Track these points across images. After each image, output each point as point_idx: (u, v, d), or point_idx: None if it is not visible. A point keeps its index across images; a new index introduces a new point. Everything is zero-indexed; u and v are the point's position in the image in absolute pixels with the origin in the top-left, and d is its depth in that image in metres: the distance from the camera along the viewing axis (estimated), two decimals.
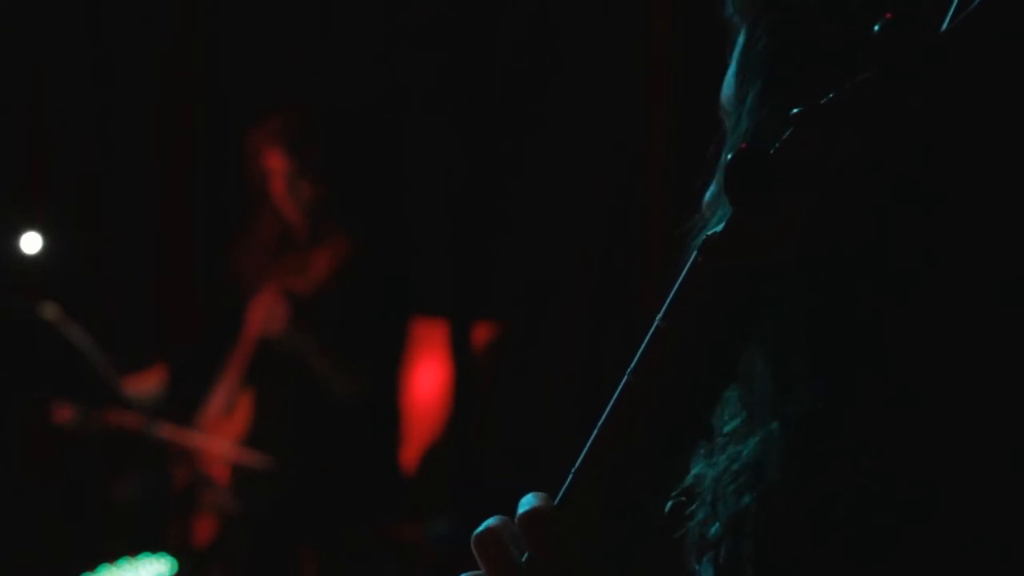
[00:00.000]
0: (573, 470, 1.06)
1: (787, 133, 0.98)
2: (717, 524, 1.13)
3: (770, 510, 1.09)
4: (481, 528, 1.09)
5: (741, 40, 1.16)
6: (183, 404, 4.65)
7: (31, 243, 4.88)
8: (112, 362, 4.51)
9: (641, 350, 1.03)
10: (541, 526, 1.06)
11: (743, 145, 0.99)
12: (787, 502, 1.08)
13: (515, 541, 1.09)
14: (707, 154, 1.20)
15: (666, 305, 1.03)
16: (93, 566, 4.61)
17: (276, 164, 4.46)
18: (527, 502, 1.08)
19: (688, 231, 1.17)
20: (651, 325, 1.04)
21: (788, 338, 1.08)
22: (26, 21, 5.26)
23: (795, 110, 0.98)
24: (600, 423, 1.05)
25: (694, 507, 1.16)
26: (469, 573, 1.11)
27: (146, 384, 4.64)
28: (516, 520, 1.08)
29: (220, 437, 4.52)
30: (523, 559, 1.07)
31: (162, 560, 4.50)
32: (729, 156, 0.98)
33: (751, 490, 1.11)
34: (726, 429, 1.15)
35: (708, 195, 1.20)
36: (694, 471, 1.16)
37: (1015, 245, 1.05)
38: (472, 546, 1.10)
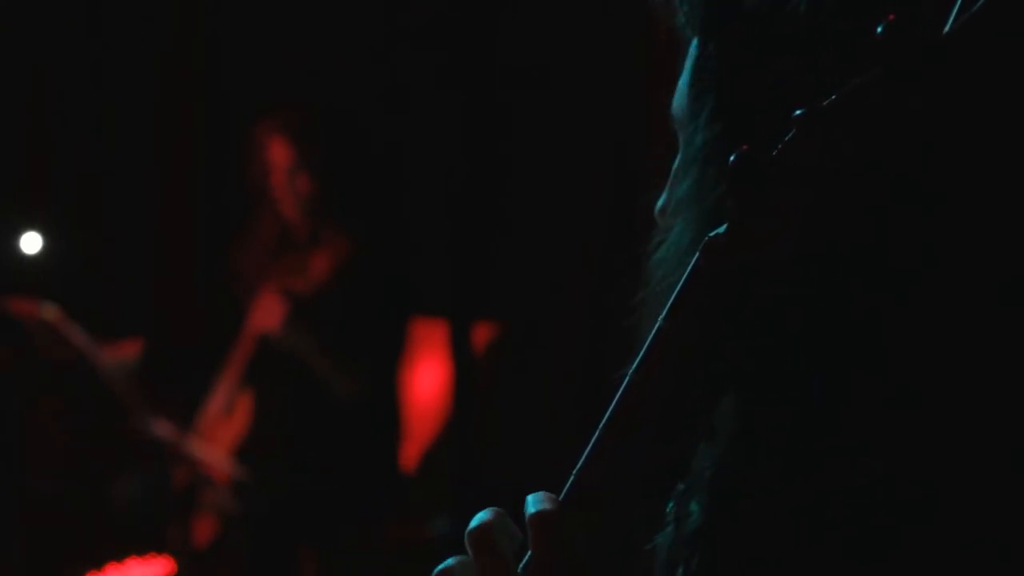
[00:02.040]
0: (575, 471, 1.06)
1: (789, 134, 0.99)
2: (688, 533, 1.13)
3: (751, 512, 1.09)
4: (474, 524, 1.09)
5: (692, 53, 1.17)
6: (183, 404, 4.65)
7: (31, 243, 4.88)
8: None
9: (643, 350, 1.04)
10: (550, 528, 1.06)
11: (744, 146, 0.99)
12: (773, 502, 1.08)
13: (509, 536, 1.09)
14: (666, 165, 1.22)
15: (668, 305, 1.03)
16: (93, 566, 4.61)
17: (278, 156, 4.46)
18: (536, 501, 1.08)
19: (649, 243, 1.19)
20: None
21: (785, 337, 1.08)
22: (26, 21, 5.26)
23: (797, 112, 0.98)
24: (602, 423, 1.05)
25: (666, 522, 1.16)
26: (454, 558, 1.11)
27: (121, 354, 4.61)
28: (527, 520, 1.07)
29: (219, 445, 4.52)
30: (524, 560, 1.07)
31: (164, 560, 4.50)
32: (732, 157, 0.98)
33: (720, 495, 1.11)
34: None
35: (659, 203, 1.21)
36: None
37: (1015, 245, 1.05)
38: (465, 541, 1.10)
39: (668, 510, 1.14)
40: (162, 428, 4.47)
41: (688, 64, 1.18)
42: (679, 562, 1.13)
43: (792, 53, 1.07)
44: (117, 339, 4.67)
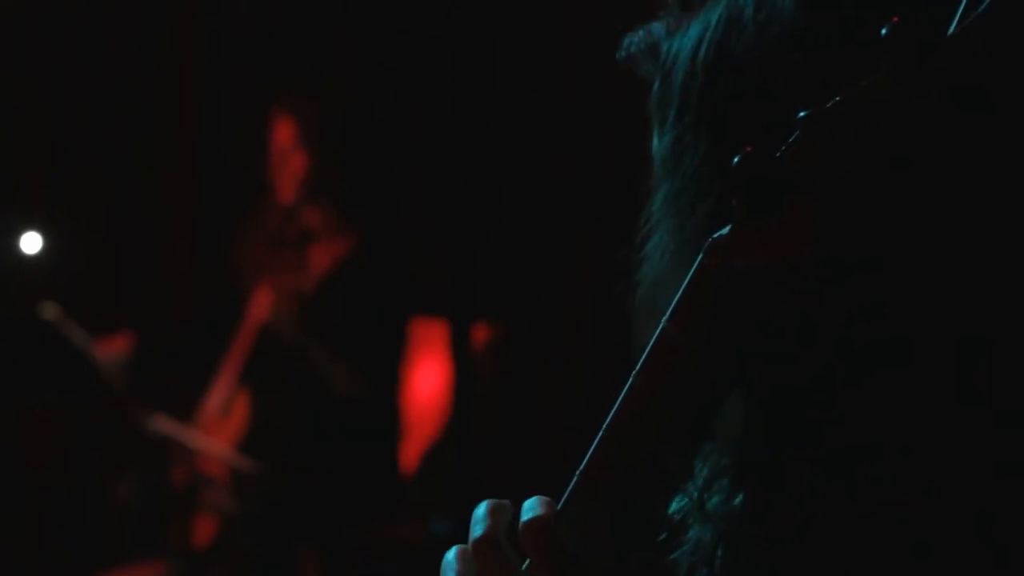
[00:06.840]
0: (578, 471, 1.06)
1: (793, 136, 0.99)
2: (709, 536, 1.13)
3: (765, 517, 1.09)
4: (479, 533, 1.09)
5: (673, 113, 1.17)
6: (181, 402, 4.65)
7: (31, 243, 4.88)
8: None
9: (647, 352, 1.04)
10: (546, 535, 1.06)
11: (748, 148, 0.99)
12: (781, 507, 1.07)
13: (509, 537, 1.09)
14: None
15: (672, 307, 1.04)
16: (93, 566, 4.61)
17: (279, 137, 4.46)
18: (531, 508, 1.08)
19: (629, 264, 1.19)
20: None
21: (789, 338, 1.08)
22: (27, 21, 5.26)
23: (801, 113, 0.98)
24: (606, 425, 1.05)
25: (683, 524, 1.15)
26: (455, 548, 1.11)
27: (111, 350, 4.60)
28: (520, 527, 1.08)
29: (219, 439, 4.52)
30: (524, 566, 1.08)
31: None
32: (736, 159, 0.99)
33: (739, 493, 1.11)
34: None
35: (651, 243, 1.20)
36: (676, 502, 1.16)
37: (1018, 246, 1.05)
38: (470, 549, 1.10)
39: (669, 514, 1.14)
40: (161, 427, 4.47)
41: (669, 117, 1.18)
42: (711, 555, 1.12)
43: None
44: (112, 336, 4.67)
